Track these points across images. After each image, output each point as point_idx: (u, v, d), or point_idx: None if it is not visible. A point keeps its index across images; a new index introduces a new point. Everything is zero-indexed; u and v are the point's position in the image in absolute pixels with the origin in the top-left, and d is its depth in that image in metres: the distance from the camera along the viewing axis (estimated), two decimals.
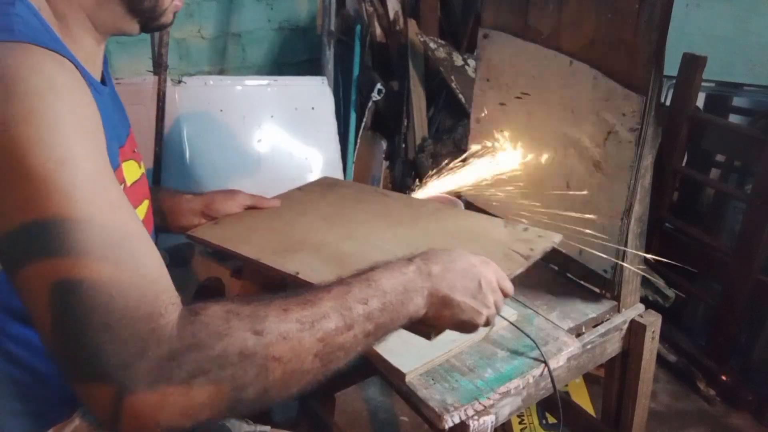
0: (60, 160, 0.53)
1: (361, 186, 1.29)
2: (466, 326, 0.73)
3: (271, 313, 0.58)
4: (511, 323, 1.01)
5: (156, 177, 1.84)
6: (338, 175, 2.23)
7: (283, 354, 0.57)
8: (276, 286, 1.20)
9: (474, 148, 1.29)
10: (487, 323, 0.74)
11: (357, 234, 1.01)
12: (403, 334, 0.97)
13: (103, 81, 0.80)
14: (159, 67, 1.81)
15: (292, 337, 0.58)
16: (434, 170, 1.26)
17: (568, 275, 1.18)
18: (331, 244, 0.98)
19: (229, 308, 0.58)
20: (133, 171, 0.84)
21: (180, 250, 1.13)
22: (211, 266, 1.12)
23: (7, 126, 0.52)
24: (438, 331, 0.73)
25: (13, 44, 0.56)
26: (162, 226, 1.07)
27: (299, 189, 1.25)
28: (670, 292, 1.88)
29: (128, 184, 0.81)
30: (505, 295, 0.77)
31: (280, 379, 0.57)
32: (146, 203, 0.89)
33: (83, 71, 0.68)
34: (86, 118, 0.59)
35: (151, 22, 0.76)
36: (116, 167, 0.74)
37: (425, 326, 0.72)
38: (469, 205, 1.33)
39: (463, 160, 1.26)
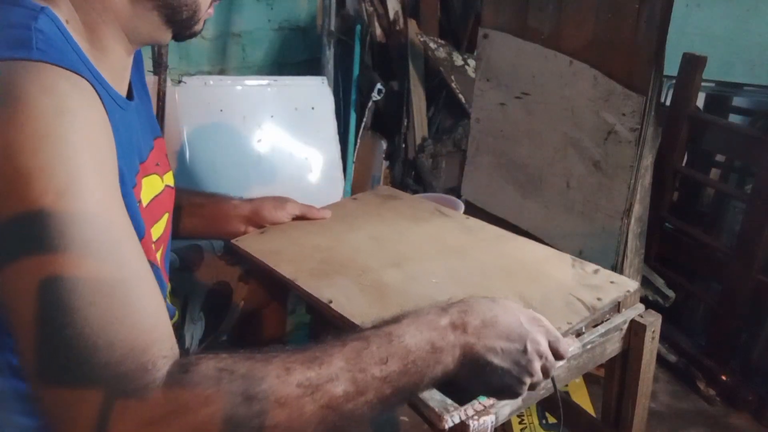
0: (60, 192, 0.50)
1: (418, 200, 1.19)
2: (503, 394, 0.65)
3: (270, 374, 0.52)
4: None
5: None
6: (338, 175, 2.23)
7: (278, 423, 0.51)
8: (283, 291, 1.20)
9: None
10: (532, 387, 0.65)
11: (404, 261, 0.94)
12: None
13: (130, 93, 0.78)
14: (159, 67, 1.81)
15: (290, 404, 0.51)
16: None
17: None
18: (373, 271, 0.91)
19: (224, 365, 0.52)
20: (153, 186, 0.82)
21: (190, 253, 1.12)
22: (219, 270, 1.11)
23: (11, 151, 0.49)
24: (470, 395, 0.65)
25: (29, 63, 0.54)
26: (204, 231, 1.04)
27: (354, 198, 1.20)
28: (670, 292, 1.89)
29: (144, 203, 0.77)
30: (558, 358, 0.66)
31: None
32: (166, 216, 0.86)
33: (106, 89, 0.67)
34: (97, 145, 0.56)
35: (185, 31, 0.74)
36: (133, 186, 0.71)
37: (455, 388, 0.63)
38: (469, 205, 1.34)
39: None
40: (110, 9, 0.66)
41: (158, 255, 0.84)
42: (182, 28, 0.73)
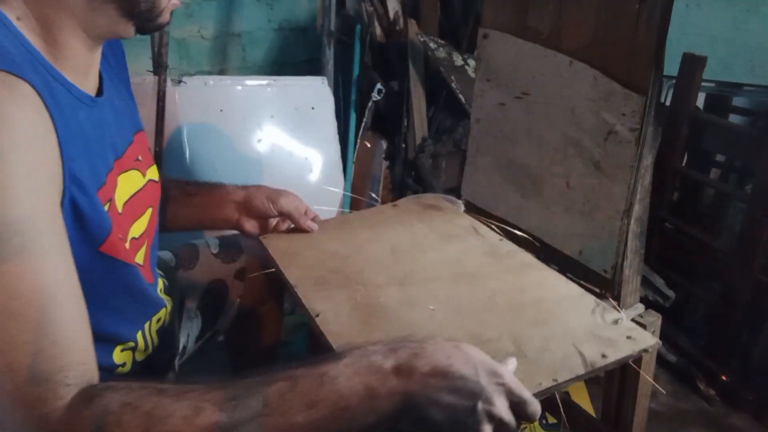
0: None
1: (459, 215, 1.15)
2: None
3: (175, 414, 0.49)
4: None
5: None
6: (338, 175, 2.23)
7: None
8: (279, 289, 1.19)
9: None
10: None
11: (411, 281, 0.90)
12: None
13: (100, 89, 0.76)
14: (159, 67, 1.81)
15: None
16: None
17: (568, 275, 1.18)
18: (375, 288, 0.88)
19: (130, 399, 0.50)
20: (133, 182, 0.81)
21: (185, 251, 1.11)
22: (215, 268, 1.11)
23: None
24: None
25: None
26: (198, 221, 1.03)
27: (394, 205, 1.17)
28: (670, 292, 1.89)
29: (123, 201, 0.77)
30: (527, 420, 0.58)
31: None
32: (149, 212, 0.86)
33: (67, 87, 0.65)
34: (31, 152, 0.54)
35: (148, 23, 0.72)
36: (100, 186, 0.70)
37: None
38: (469, 205, 1.34)
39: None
40: (65, 4, 0.64)
41: (141, 252, 0.83)
42: (144, 20, 0.71)
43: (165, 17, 0.74)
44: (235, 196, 1.02)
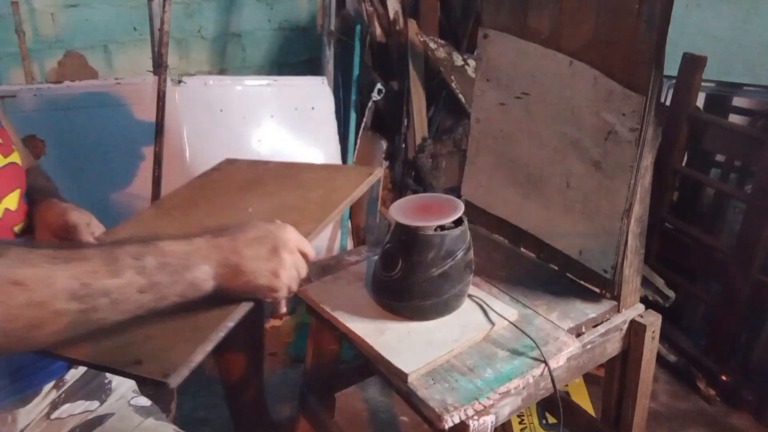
0: None
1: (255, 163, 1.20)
2: (264, 291, 0.70)
3: (14, 245, 0.55)
4: (511, 323, 1.01)
5: (156, 177, 1.83)
6: None
7: (26, 279, 0.52)
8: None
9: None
10: (290, 289, 0.72)
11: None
12: (405, 334, 0.98)
13: None
14: (159, 67, 1.81)
15: (38, 265, 0.54)
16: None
17: (568, 275, 1.18)
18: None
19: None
20: None
21: None
22: None
23: None
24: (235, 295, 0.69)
25: None
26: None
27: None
28: (670, 292, 1.89)
29: None
30: (306, 257, 0.74)
31: (25, 307, 0.52)
32: (17, 191, 0.88)
33: None
34: None
35: None
36: None
37: (229, 301, 0.68)
38: (468, 204, 1.34)
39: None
40: None
41: (17, 229, 0.87)
42: None
43: None
44: (46, 205, 0.98)
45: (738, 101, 2.12)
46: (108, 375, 0.94)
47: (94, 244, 0.62)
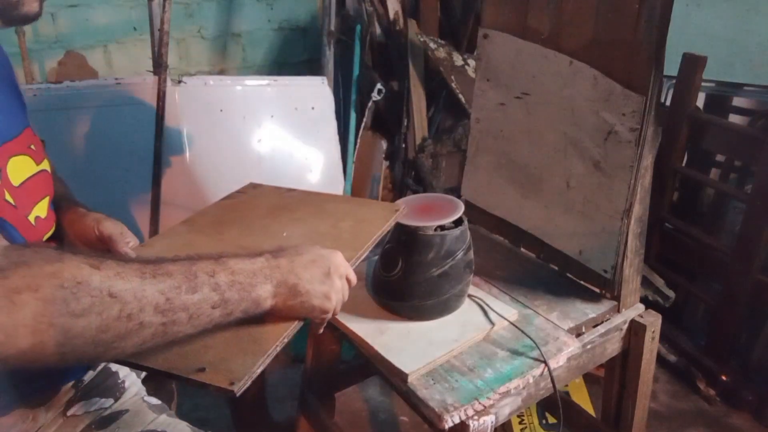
0: None
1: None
2: (316, 311, 0.73)
3: (109, 258, 0.57)
4: (511, 323, 1.01)
5: (156, 177, 1.84)
6: (338, 175, 2.23)
7: (120, 292, 0.54)
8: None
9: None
10: (335, 312, 0.76)
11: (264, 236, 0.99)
12: (405, 334, 0.98)
13: None
14: (159, 67, 1.81)
15: (131, 280, 0.56)
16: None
17: (568, 275, 1.18)
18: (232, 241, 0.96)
19: (62, 250, 0.56)
20: (25, 166, 0.84)
21: None
22: None
23: None
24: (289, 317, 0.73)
25: None
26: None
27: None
28: (670, 292, 1.89)
29: (17, 182, 0.80)
30: (349, 283, 0.78)
31: (116, 319, 0.54)
32: (47, 199, 0.88)
33: None
34: None
35: (10, 12, 0.73)
36: None
37: (281, 318, 0.72)
38: (469, 205, 1.34)
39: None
40: None
41: (46, 237, 0.87)
42: (3, 10, 0.72)
43: (31, 7, 0.75)
44: (72, 215, 0.99)
45: (738, 101, 2.13)
46: (121, 375, 0.96)
47: (171, 260, 0.63)
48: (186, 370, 0.63)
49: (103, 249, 0.91)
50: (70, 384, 0.90)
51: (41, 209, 0.85)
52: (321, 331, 0.80)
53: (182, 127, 1.91)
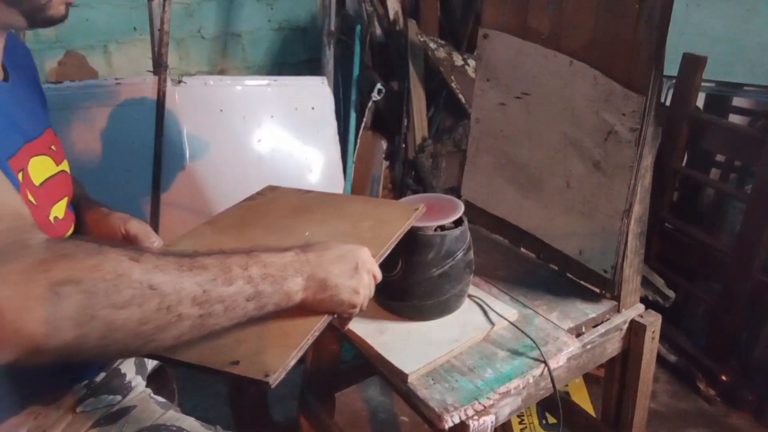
0: None
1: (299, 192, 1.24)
2: (345, 306, 0.74)
3: (147, 252, 0.58)
4: (511, 323, 1.01)
5: (156, 177, 1.84)
6: (338, 175, 2.23)
7: (160, 285, 0.55)
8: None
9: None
10: (362, 307, 0.77)
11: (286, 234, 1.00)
12: (405, 334, 0.98)
13: (6, 78, 0.80)
14: (159, 67, 1.81)
15: (170, 272, 0.56)
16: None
17: (568, 275, 1.18)
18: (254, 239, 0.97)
19: (102, 242, 0.56)
20: (46, 167, 0.85)
21: None
22: None
23: None
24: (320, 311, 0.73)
25: None
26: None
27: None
28: (670, 292, 1.89)
29: (38, 182, 0.81)
30: (375, 279, 0.79)
31: (156, 311, 0.54)
32: (65, 200, 0.89)
33: None
34: None
35: (36, 14, 0.74)
36: (11, 155, 0.75)
37: (310, 312, 0.72)
38: (468, 204, 1.34)
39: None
40: None
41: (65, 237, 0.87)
42: (30, 11, 0.73)
43: (57, 10, 0.75)
44: (95, 214, 1.00)
45: (738, 101, 2.13)
46: (128, 376, 0.97)
47: (205, 254, 0.64)
48: (220, 363, 0.64)
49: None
50: (83, 384, 0.91)
51: (59, 209, 0.86)
52: (347, 327, 0.80)
53: (182, 127, 1.91)
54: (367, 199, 1.08)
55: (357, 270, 0.74)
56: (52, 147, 0.88)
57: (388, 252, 0.88)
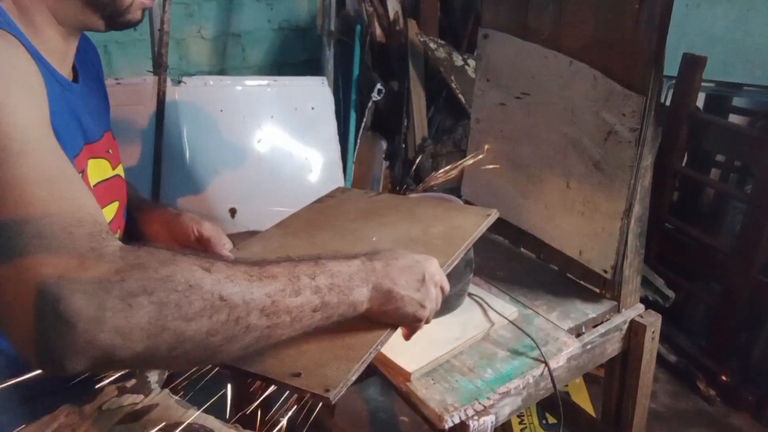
0: None
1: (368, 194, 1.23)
2: (410, 318, 0.72)
3: (218, 261, 0.57)
4: (511, 322, 1.01)
5: (156, 177, 1.84)
6: (338, 175, 2.23)
7: (230, 296, 0.55)
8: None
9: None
10: (428, 321, 0.75)
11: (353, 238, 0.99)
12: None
13: (75, 79, 0.80)
14: (159, 67, 1.81)
15: (240, 283, 0.56)
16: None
17: (568, 275, 1.18)
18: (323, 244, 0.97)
19: (174, 251, 0.56)
20: (102, 169, 0.85)
21: None
22: None
23: None
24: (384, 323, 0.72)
25: None
26: (164, 238, 1.02)
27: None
28: (670, 292, 1.89)
29: (92, 183, 0.81)
30: (443, 291, 0.77)
31: (225, 323, 0.54)
32: (116, 204, 0.89)
33: (43, 63, 0.69)
34: (27, 81, 0.61)
35: (115, 18, 0.75)
36: (75, 154, 0.75)
37: (374, 323, 0.71)
38: (468, 204, 1.34)
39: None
40: None
41: None
42: (111, 14, 0.74)
43: (135, 15, 0.76)
44: (164, 215, 1.01)
45: (738, 101, 2.13)
46: (149, 375, 0.97)
47: (274, 261, 0.63)
48: (282, 374, 0.63)
49: (199, 250, 0.91)
50: (115, 386, 0.92)
51: (108, 213, 0.85)
52: (411, 339, 0.78)
53: (182, 127, 1.91)
54: (438, 203, 1.05)
55: (424, 282, 0.72)
56: (110, 150, 0.88)
57: (456, 261, 0.86)
